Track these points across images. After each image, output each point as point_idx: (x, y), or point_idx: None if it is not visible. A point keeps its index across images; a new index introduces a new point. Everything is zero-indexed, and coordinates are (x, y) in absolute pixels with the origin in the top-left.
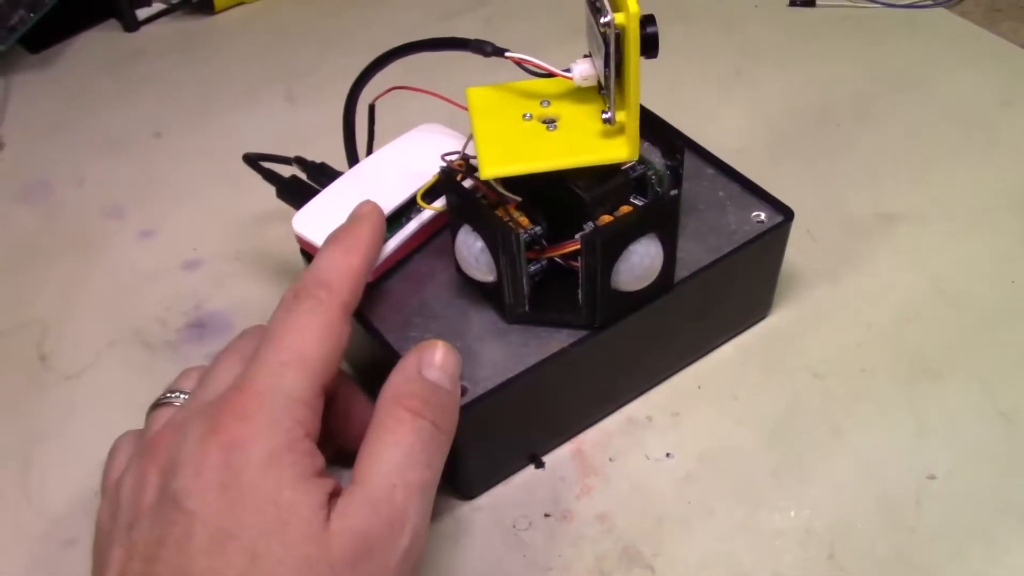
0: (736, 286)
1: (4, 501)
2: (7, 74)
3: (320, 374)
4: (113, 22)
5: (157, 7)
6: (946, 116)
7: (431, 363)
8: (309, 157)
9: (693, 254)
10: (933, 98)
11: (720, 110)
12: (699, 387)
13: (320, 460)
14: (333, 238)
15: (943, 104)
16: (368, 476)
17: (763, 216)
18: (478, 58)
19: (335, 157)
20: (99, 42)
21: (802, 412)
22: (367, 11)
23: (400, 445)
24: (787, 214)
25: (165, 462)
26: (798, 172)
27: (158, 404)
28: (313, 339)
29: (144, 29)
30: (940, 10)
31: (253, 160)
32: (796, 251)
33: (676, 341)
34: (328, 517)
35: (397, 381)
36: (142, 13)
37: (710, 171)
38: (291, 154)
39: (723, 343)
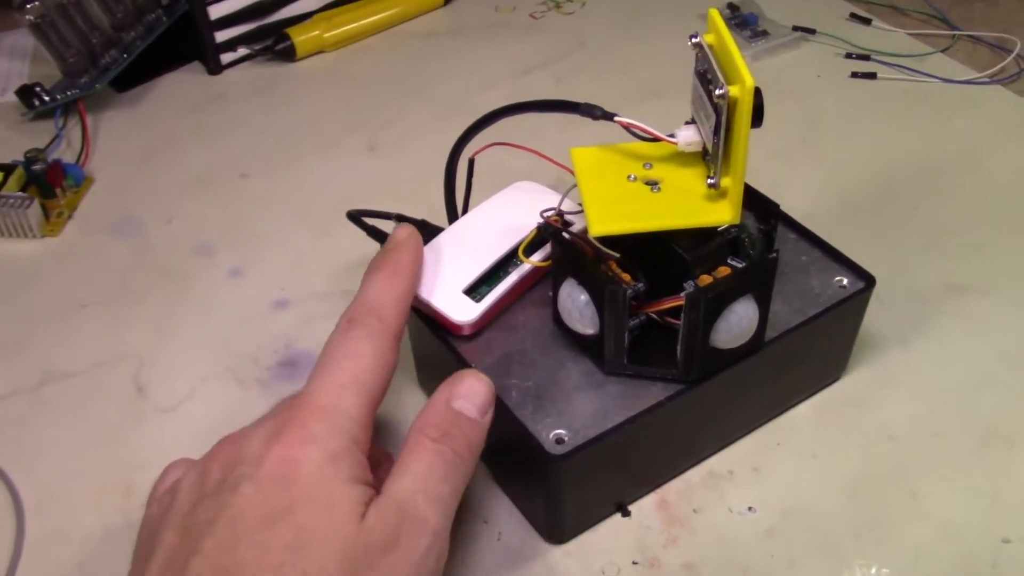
0: (818, 347)
1: (108, 528)
2: (96, 111)
3: (374, 398)
4: (197, 65)
5: (241, 52)
6: (1006, 190)
7: (458, 393)
8: (392, 204)
9: (780, 315)
10: (993, 172)
11: (786, 177)
12: (778, 444)
13: (369, 475)
14: (377, 265)
15: (1003, 178)
16: (394, 487)
17: (845, 281)
18: (561, 117)
19: (417, 205)
20: (183, 84)
21: (879, 473)
22: (443, 66)
23: (421, 463)
24: (869, 280)
25: (228, 459)
26: (865, 240)
27: None
28: (368, 364)
29: (226, 73)
30: (996, 87)
31: (356, 217)
32: (867, 315)
33: (759, 398)
34: (364, 514)
35: (425, 413)
36: (226, 58)
37: (792, 236)
38: (375, 201)
39: (800, 402)
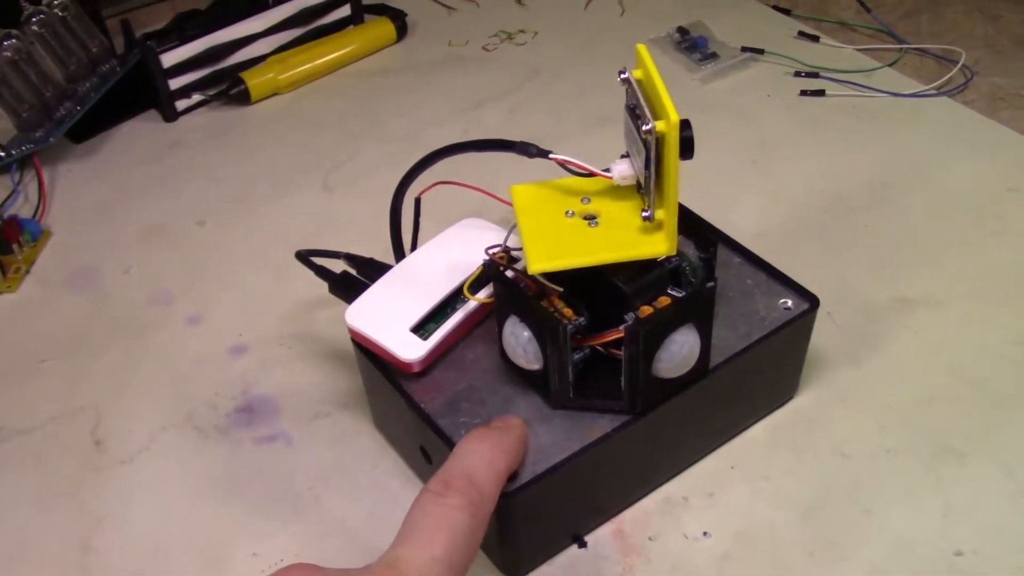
0: (766, 370)
1: None
2: (52, 164)
3: None
4: (153, 113)
5: (196, 98)
6: (955, 202)
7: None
8: (347, 244)
9: (726, 341)
10: (942, 185)
11: (738, 198)
12: (732, 467)
13: None
14: (479, 435)
15: (951, 191)
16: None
17: (790, 303)
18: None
19: (372, 244)
20: (139, 132)
21: (832, 492)
22: (396, 102)
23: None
24: (813, 301)
25: None
26: (816, 257)
27: None
28: (464, 541)
29: (183, 119)
30: (944, 99)
31: (305, 257)
32: (818, 334)
33: (710, 424)
34: None
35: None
36: (181, 104)
37: (737, 260)
38: (332, 241)
39: (753, 424)
